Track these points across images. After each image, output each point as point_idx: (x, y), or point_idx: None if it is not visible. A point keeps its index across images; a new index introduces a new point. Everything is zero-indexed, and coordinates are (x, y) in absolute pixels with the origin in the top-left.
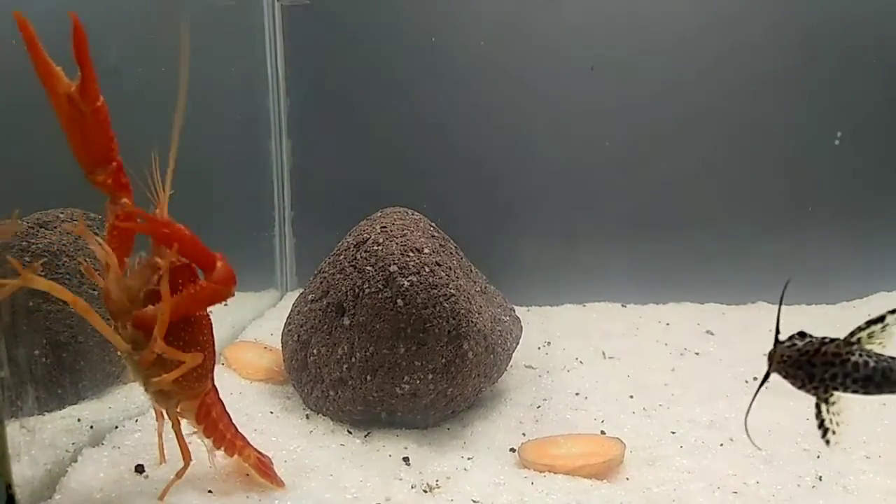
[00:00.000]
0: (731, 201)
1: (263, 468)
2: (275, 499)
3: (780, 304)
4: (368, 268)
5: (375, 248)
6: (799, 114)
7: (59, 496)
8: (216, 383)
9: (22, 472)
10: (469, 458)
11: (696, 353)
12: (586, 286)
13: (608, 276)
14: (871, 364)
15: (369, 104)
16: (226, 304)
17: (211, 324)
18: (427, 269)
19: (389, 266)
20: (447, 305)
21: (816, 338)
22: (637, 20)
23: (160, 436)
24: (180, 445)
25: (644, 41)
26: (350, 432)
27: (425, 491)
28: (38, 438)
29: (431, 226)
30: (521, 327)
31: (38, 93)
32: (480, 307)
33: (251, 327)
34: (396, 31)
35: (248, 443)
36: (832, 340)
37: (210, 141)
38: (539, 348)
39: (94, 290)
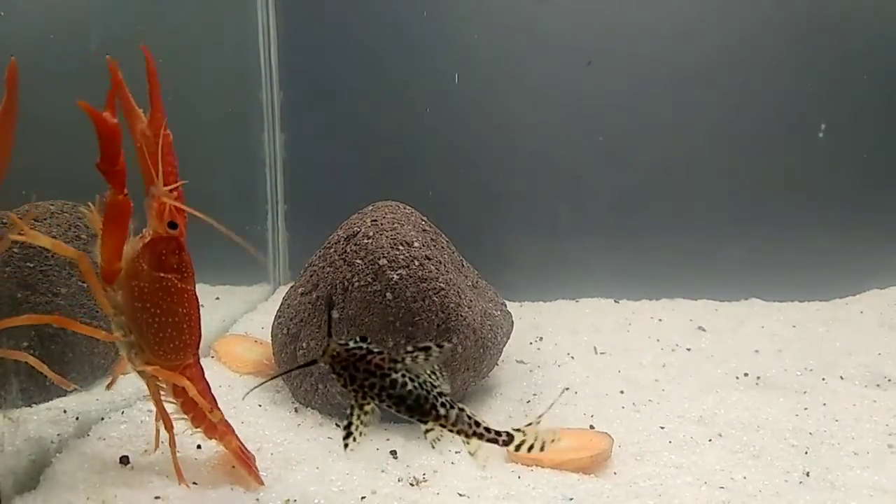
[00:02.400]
0: (725, 197)
1: (245, 460)
2: (259, 491)
3: (329, 310)
4: (358, 261)
5: (365, 241)
6: (792, 110)
7: (42, 487)
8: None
9: (5, 463)
10: (457, 452)
11: (688, 349)
12: (579, 282)
13: (601, 272)
14: (409, 387)
15: (363, 98)
16: (218, 298)
17: (195, 301)
18: (417, 263)
19: (379, 259)
20: (436, 299)
21: (371, 347)
22: (631, 15)
23: (157, 420)
24: (161, 415)
25: (638, 36)
26: (338, 425)
27: (412, 484)
28: (22, 430)
29: (423, 219)
30: (513, 322)
31: (30, 88)
32: (471, 301)
33: (242, 320)
34: (390, 24)
35: (233, 431)
36: (381, 353)
37: (202, 134)
38: (530, 343)
39: (83, 282)
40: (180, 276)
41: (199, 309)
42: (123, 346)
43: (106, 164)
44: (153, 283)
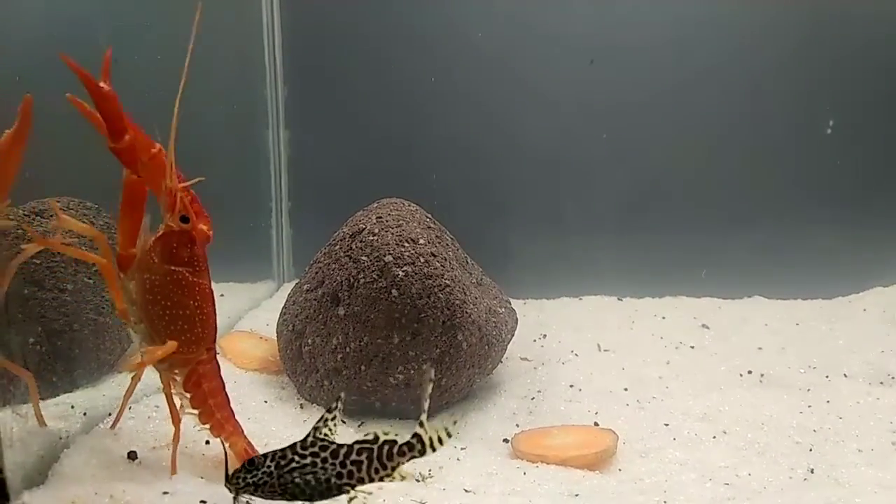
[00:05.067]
0: (728, 195)
1: None
2: None
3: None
4: (363, 258)
5: (371, 238)
6: (795, 108)
7: (50, 481)
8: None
9: (14, 459)
10: (462, 449)
11: (692, 347)
12: (583, 280)
13: (605, 270)
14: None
15: (367, 95)
16: (222, 295)
17: (209, 295)
18: (422, 260)
19: (384, 256)
20: (441, 296)
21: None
22: (636, 14)
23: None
24: (170, 409)
25: (641, 35)
26: (344, 422)
27: (417, 480)
28: (31, 425)
29: (428, 217)
30: (517, 319)
31: (34, 83)
32: (475, 298)
33: (247, 318)
34: (395, 21)
35: (241, 432)
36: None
37: (206, 131)
38: (534, 341)
39: (90, 278)
40: (192, 270)
41: (213, 303)
42: (137, 337)
43: (113, 139)
44: (164, 276)
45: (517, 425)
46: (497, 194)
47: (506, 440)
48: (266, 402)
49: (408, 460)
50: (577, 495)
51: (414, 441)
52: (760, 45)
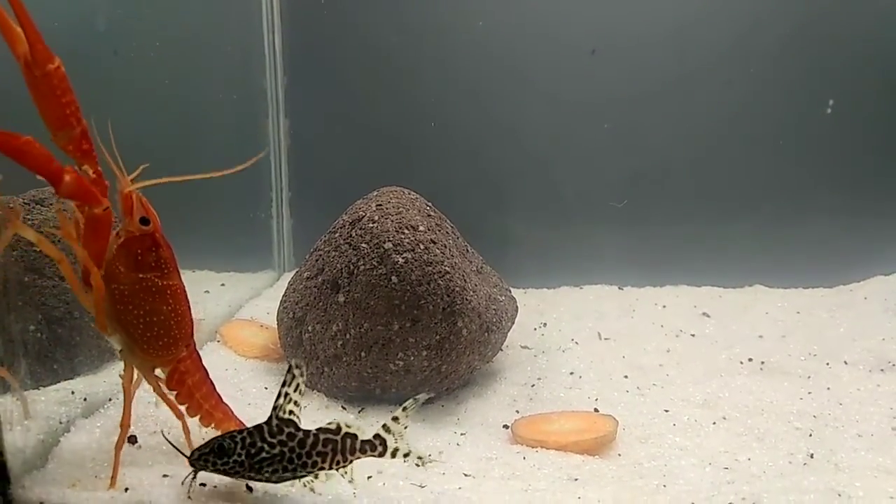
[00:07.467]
0: (729, 184)
1: None
2: None
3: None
4: (363, 245)
5: (371, 225)
6: (795, 97)
7: (51, 465)
8: (208, 358)
9: (14, 442)
10: (462, 434)
11: (692, 335)
12: (583, 269)
13: (605, 260)
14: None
15: (367, 84)
16: (223, 285)
17: (182, 293)
18: (422, 247)
19: (384, 243)
20: (441, 283)
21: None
22: (637, 3)
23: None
24: (169, 406)
25: (642, 24)
26: (344, 408)
27: (417, 465)
28: (31, 409)
29: (428, 205)
30: (517, 307)
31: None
32: (475, 286)
33: (248, 306)
34: (395, 10)
35: (232, 416)
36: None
37: (206, 120)
38: (535, 329)
39: None
40: (160, 274)
41: (187, 300)
42: (115, 342)
43: (50, 182)
44: (132, 284)
45: (517, 411)
46: (498, 183)
47: (506, 426)
48: (266, 388)
49: (368, 456)
50: (576, 479)
51: (376, 442)
52: (760, 33)
